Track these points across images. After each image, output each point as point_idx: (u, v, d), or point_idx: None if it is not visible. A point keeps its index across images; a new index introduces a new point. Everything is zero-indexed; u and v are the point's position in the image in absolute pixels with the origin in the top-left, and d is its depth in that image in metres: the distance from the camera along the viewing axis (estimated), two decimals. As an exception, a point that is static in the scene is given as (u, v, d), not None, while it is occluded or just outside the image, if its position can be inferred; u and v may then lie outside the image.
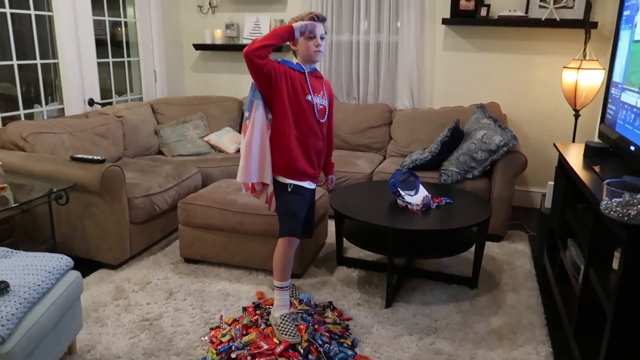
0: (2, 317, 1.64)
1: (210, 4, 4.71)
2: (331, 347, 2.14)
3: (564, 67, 3.52)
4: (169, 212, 3.26)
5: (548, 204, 3.20)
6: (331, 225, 3.51)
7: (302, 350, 2.12)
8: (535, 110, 4.06)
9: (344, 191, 3.02)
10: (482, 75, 4.14)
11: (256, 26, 4.59)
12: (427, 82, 4.27)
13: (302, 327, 2.25)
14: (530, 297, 2.71)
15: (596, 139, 2.95)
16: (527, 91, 4.05)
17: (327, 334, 2.25)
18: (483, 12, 3.89)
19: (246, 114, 2.20)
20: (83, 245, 2.89)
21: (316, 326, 2.30)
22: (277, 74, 2.13)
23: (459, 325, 2.44)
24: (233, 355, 2.11)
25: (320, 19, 2.20)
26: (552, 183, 3.09)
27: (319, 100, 2.27)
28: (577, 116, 3.54)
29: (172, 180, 3.29)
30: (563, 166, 2.75)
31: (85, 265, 2.86)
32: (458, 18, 3.99)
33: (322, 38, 2.20)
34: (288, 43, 2.22)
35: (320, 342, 2.18)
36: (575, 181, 2.32)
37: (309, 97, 2.22)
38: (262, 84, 2.14)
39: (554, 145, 2.90)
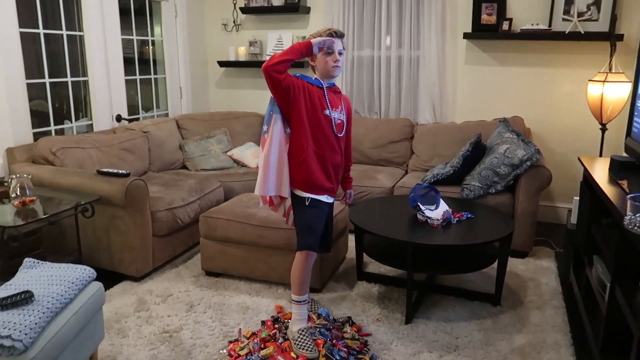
0: (25, 326, 1.68)
1: (234, 22, 4.81)
2: None
3: (589, 80, 3.46)
4: (191, 226, 3.31)
5: (574, 219, 3.12)
6: (351, 239, 3.50)
7: None
8: (560, 124, 3.99)
9: (364, 205, 3.01)
10: (505, 89, 4.10)
11: (279, 43, 4.67)
12: (449, 97, 4.25)
13: (319, 341, 2.24)
14: (556, 316, 2.64)
15: (623, 154, 2.88)
16: (552, 105, 3.99)
17: (345, 350, 2.23)
18: (505, 26, 3.87)
19: (264, 127, 2.23)
20: (107, 257, 2.96)
21: (334, 341, 2.29)
22: (296, 88, 2.16)
23: (481, 343, 2.39)
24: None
25: (338, 34, 2.24)
26: (578, 198, 3.02)
27: (337, 115, 2.29)
28: (603, 130, 3.46)
29: (195, 194, 3.34)
30: (588, 181, 2.69)
31: (110, 277, 2.92)
32: (480, 32, 3.97)
33: (340, 54, 2.23)
34: (307, 59, 2.25)
35: (337, 358, 2.16)
36: (600, 196, 2.26)
37: (327, 112, 2.24)
38: (280, 99, 2.17)
39: (579, 159, 2.84)
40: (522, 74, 4.03)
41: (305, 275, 2.31)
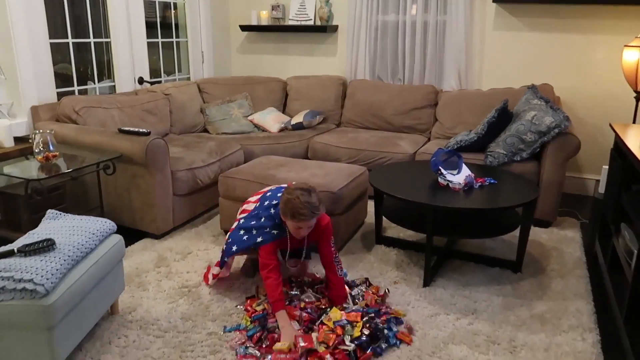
0: (47, 272, 1.71)
1: (257, -15, 4.73)
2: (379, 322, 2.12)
3: (625, 46, 3.30)
4: (210, 187, 3.33)
5: (602, 189, 3.03)
6: (371, 205, 3.48)
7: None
8: (591, 93, 3.84)
9: (384, 169, 2.97)
10: (534, 56, 3.95)
11: (302, 7, 4.57)
12: (475, 63, 4.12)
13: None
14: (579, 284, 2.58)
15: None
16: (583, 72, 3.83)
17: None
18: (538, -12, 3.70)
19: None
20: (129, 215, 2.99)
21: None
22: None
23: (500, 308, 2.35)
24: (268, 325, 2.13)
25: (307, 214, 2.12)
26: (607, 167, 2.92)
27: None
28: (638, 98, 3.31)
29: (215, 156, 3.35)
30: (619, 147, 2.59)
31: (131, 235, 2.97)
32: (511, -5, 3.81)
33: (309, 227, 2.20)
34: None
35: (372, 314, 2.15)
36: (632, 162, 2.17)
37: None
38: None
39: (610, 125, 2.73)
40: (553, 40, 3.87)
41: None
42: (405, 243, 2.98)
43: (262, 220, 2.28)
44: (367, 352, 1.97)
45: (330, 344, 1.96)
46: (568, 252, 2.94)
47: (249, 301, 2.32)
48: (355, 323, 2.08)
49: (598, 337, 2.14)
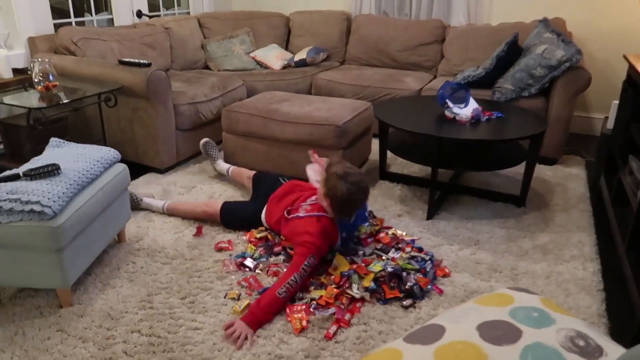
0: (53, 194, 1.72)
1: None
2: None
3: (644, -25, 3.16)
4: (213, 123, 3.29)
5: (610, 124, 2.98)
6: (375, 143, 3.45)
7: None
8: (605, 27, 3.70)
9: (389, 104, 2.92)
10: (548, -12, 3.79)
11: (305, -64, 4.36)
12: (486, -3, 3.96)
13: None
14: (582, 218, 2.59)
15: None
16: (599, 5, 3.69)
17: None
18: None
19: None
20: (132, 149, 2.98)
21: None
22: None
23: (502, 239, 2.38)
24: (276, 249, 2.17)
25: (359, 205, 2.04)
26: (617, 102, 2.86)
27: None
28: (653, 31, 3.21)
29: (218, 91, 3.29)
30: (632, 79, 2.53)
31: (135, 169, 2.96)
32: None
33: None
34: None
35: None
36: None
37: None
38: None
39: (624, 56, 2.66)
40: (568, -29, 3.70)
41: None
42: (409, 178, 2.97)
43: None
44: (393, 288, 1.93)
45: (333, 300, 1.87)
46: (572, 188, 2.94)
47: (248, 234, 2.34)
48: (364, 275, 1.98)
49: (599, 267, 2.18)
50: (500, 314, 1.11)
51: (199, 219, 2.46)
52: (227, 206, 2.39)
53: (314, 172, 2.35)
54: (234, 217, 2.38)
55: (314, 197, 2.19)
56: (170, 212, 2.51)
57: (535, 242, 2.36)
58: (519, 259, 2.22)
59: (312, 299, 1.88)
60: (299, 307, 1.84)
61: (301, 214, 2.12)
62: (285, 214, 2.19)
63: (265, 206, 2.33)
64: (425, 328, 1.12)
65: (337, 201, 1.99)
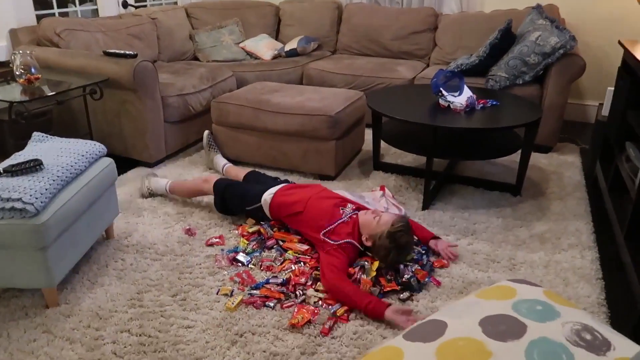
0: (35, 191, 1.65)
1: None
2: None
3: (638, -41, 3.11)
4: (203, 115, 3.22)
5: (605, 111, 2.95)
6: (368, 134, 3.40)
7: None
8: (599, 13, 3.66)
9: (382, 93, 2.86)
10: (541, -26, 3.74)
11: None
12: (478, -17, 3.91)
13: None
14: (579, 206, 2.56)
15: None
16: (592, -9, 3.65)
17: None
18: None
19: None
20: (120, 143, 2.90)
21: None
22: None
23: (499, 229, 2.34)
24: (269, 243, 2.12)
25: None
26: (612, 88, 2.83)
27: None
28: (647, 16, 3.17)
29: (207, 82, 3.21)
30: (627, 64, 2.49)
31: (123, 164, 2.89)
32: None
33: None
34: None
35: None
36: (642, 76, 2.09)
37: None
38: None
39: (619, 42, 2.61)
40: (561, -44, 3.65)
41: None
42: (403, 169, 2.93)
43: None
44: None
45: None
46: (567, 176, 2.91)
47: (240, 228, 2.28)
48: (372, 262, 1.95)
49: (597, 255, 2.15)
50: (503, 307, 1.07)
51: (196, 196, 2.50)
52: (223, 181, 2.37)
53: (375, 201, 2.38)
54: (233, 189, 2.33)
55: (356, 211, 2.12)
56: (171, 191, 2.53)
57: (532, 231, 2.33)
58: (516, 248, 2.19)
59: (319, 298, 1.82)
60: (308, 309, 1.77)
61: (333, 240, 1.99)
62: (322, 234, 2.03)
63: (276, 190, 2.23)
64: (425, 324, 1.08)
65: (376, 253, 1.96)
